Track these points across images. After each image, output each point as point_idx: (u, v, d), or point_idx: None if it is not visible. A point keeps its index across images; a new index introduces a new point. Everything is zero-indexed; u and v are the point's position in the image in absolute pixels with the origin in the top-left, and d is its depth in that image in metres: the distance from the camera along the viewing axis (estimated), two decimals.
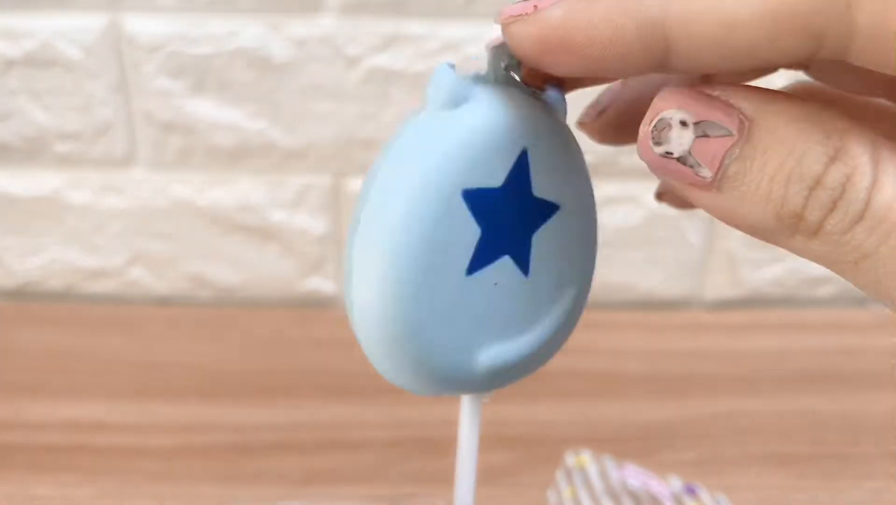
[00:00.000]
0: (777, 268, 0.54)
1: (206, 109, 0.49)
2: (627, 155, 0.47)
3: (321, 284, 0.54)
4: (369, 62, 0.48)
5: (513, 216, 0.17)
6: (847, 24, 0.13)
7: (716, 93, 0.15)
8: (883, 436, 0.41)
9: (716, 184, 0.15)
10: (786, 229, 0.14)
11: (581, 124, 0.21)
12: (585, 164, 0.18)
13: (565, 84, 0.18)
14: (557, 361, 0.20)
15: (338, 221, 0.52)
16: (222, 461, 0.39)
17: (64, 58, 0.47)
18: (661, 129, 0.15)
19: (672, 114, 0.15)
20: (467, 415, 0.20)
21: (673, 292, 0.54)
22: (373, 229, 0.16)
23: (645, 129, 0.15)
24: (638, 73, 0.15)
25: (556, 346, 0.19)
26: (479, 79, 0.17)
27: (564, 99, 0.18)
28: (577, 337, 0.20)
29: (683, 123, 0.15)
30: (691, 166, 0.15)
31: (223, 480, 0.37)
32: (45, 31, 0.47)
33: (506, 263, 0.17)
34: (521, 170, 0.17)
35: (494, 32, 0.16)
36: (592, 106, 0.21)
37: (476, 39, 0.48)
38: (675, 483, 0.37)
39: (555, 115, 0.18)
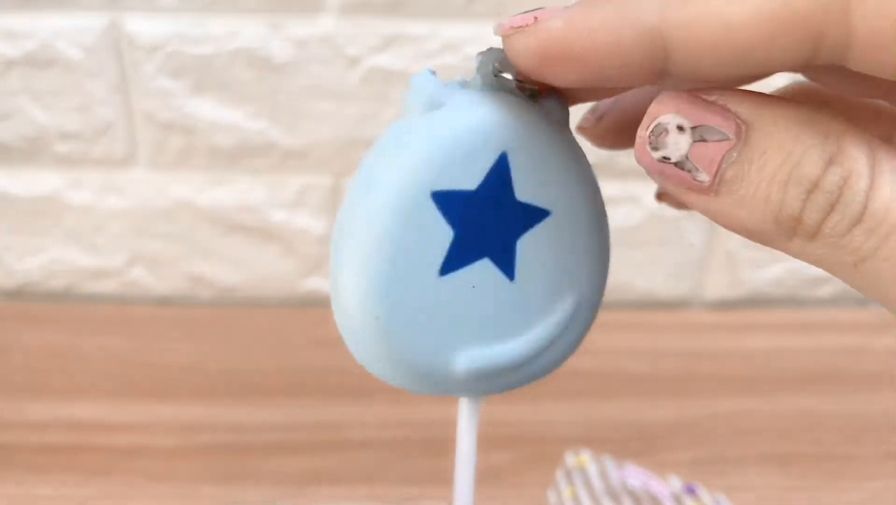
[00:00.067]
0: (777, 268, 0.54)
1: (206, 109, 0.49)
2: (627, 155, 0.47)
3: (321, 284, 0.54)
4: (369, 62, 0.48)
5: (492, 220, 0.17)
6: (845, 27, 0.13)
7: (712, 97, 0.15)
8: (883, 436, 0.41)
9: (713, 188, 0.15)
10: (784, 232, 0.14)
11: (581, 129, 0.21)
12: (588, 172, 0.18)
13: (566, 96, 0.18)
14: None
15: None
16: (222, 461, 0.39)
17: (64, 58, 0.47)
18: (659, 133, 0.15)
19: (669, 119, 0.15)
20: (465, 416, 0.20)
21: (673, 292, 0.54)
22: (347, 228, 0.17)
23: (642, 133, 0.15)
24: (638, 82, 0.15)
25: (559, 356, 0.19)
26: (464, 84, 0.18)
27: (564, 105, 0.18)
28: None
29: (680, 128, 0.15)
30: (689, 171, 0.15)
31: (223, 480, 0.37)
32: (45, 31, 0.47)
33: (485, 266, 0.17)
34: (499, 173, 0.17)
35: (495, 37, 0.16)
36: (592, 111, 0.21)
37: (476, 39, 0.48)
38: (675, 483, 0.37)
39: (551, 121, 0.18)
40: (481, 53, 0.17)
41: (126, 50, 0.47)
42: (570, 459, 0.38)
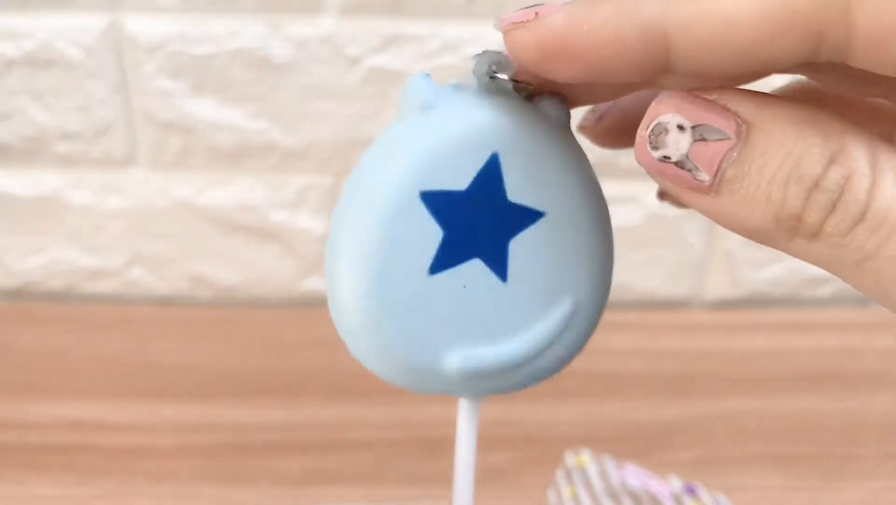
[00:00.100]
0: (777, 268, 0.54)
1: (206, 109, 0.49)
2: (627, 155, 0.47)
3: (321, 284, 0.54)
4: (369, 62, 0.48)
5: (483, 220, 0.17)
6: (846, 24, 0.13)
7: (713, 97, 0.15)
8: (883, 436, 0.41)
9: (714, 187, 0.15)
10: (785, 232, 0.14)
11: (581, 129, 0.21)
12: (587, 173, 0.18)
13: (568, 98, 0.18)
14: None
15: None
16: (222, 461, 0.39)
17: (64, 58, 0.47)
18: (659, 133, 0.15)
19: (669, 118, 0.15)
20: (465, 416, 0.20)
21: (673, 292, 0.54)
22: (340, 226, 0.18)
23: (642, 133, 0.15)
24: (639, 78, 0.15)
25: (558, 359, 0.19)
26: (458, 87, 0.18)
27: (564, 106, 0.18)
28: None
29: (681, 127, 0.15)
30: (689, 170, 0.15)
31: (223, 480, 0.37)
32: (45, 31, 0.47)
33: (476, 266, 0.18)
34: (490, 174, 0.17)
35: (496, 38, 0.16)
36: (592, 111, 0.21)
37: (476, 39, 0.48)
38: (675, 483, 0.37)
39: (548, 122, 0.18)
40: (477, 56, 0.17)
41: (126, 50, 0.47)
42: (570, 459, 0.38)
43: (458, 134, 0.17)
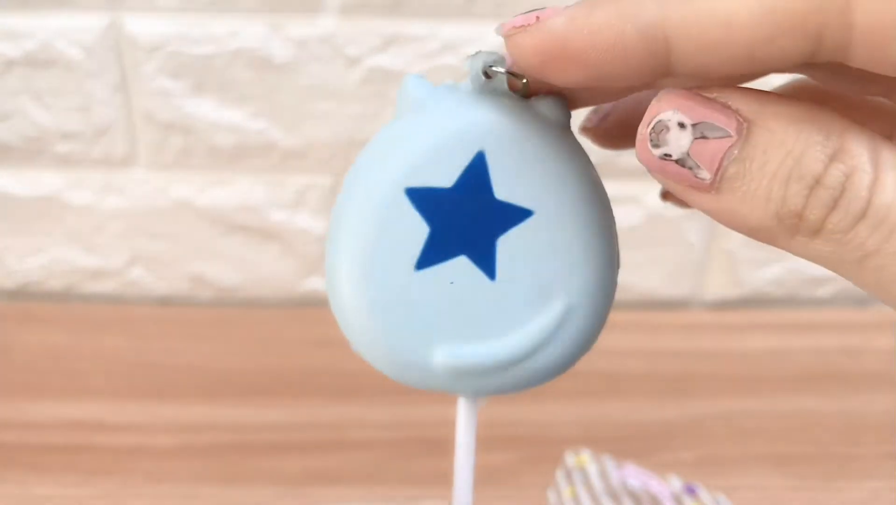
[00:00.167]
0: (777, 268, 0.54)
1: (206, 109, 0.49)
2: (627, 155, 0.47)
3: (321, 284, 0.54)
4: (369, 62, 0.48)
5: (469, 217, 0.18)
6: (845, 25, 0.13)
7: (713, 94, 0.15)
8: (883, 436, 0.41)
9: (715, 185, 0.15)
10: (786, 230, 0.14)
11: (583, 130, 0.21)
12: (586, 173, 0.18)
13: (569, 98, 0.18)
14: None
15: None
16: (222, 461, 0.39)
17: (64, 58, 0.47)
18: (660, 131, 0.15)
19: (670, 116, 0.15)
20: (463, 415, 0.20)
21: (673, 292, 0.54)
22: (336, 222, 0.18)
23: (643, 131, 0.15)
24: (640, 80, 0.15)
25: (555, 362, 0.18)
26: (452, 87, 0.18)
27: (564, 106, 0.18)
28: None
29: (682, 125, 0.15)
30: (690, 168, 0.15)
31: (223, 480, 0.37)
32: (45, 31, 0.47)
33: (462, 263, 0.18)
34: (476, 172, 0.17)
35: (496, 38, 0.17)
36: (594, 111, 0.21)
37: (476, 39, 0.48)
38: (675, 483, 0.37)
39: (543, 122, 0.18)
40: (471, 56, 0.17)
41: (126, 50, 0.47)
42: (570, 459, 0.38)
43: (444, 131, 0.17)
